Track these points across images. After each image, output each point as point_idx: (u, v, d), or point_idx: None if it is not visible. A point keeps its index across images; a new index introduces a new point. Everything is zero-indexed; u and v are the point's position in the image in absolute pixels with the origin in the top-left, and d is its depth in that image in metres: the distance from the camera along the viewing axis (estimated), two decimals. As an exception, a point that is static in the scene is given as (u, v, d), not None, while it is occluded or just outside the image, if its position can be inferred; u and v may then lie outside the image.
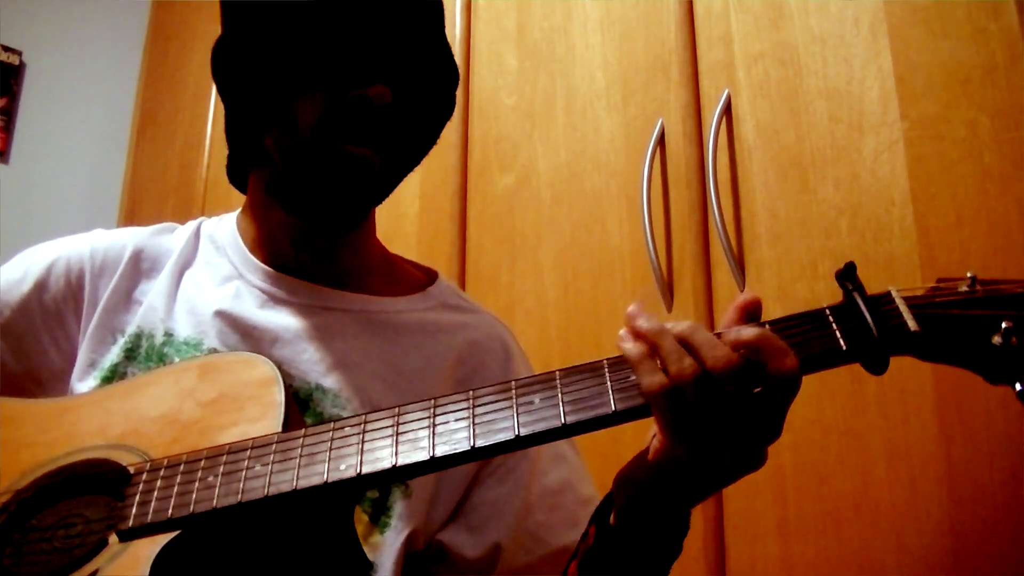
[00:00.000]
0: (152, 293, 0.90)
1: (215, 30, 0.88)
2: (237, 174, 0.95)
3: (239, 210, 0.97)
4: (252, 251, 0.91)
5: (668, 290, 1.35)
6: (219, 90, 0.90)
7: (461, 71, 1.78)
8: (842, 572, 1.10)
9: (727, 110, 1.35)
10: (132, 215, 2.71)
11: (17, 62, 2.82)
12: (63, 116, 2.88)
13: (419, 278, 0.97)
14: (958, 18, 1.13)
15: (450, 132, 1.73)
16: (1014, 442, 1.00)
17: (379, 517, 0.79)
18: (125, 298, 0.90)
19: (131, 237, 0.94)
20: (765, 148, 1.30)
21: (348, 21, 0.81)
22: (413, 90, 0.85)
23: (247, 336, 0.85)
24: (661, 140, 1.42)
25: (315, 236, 0.89)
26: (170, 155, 2.63)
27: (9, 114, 2.78)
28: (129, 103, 2.91)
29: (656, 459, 0.64)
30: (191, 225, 0.97)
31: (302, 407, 0.81)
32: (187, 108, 2.60)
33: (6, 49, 2.81)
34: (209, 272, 0.91)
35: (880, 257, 1.14)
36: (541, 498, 0.86)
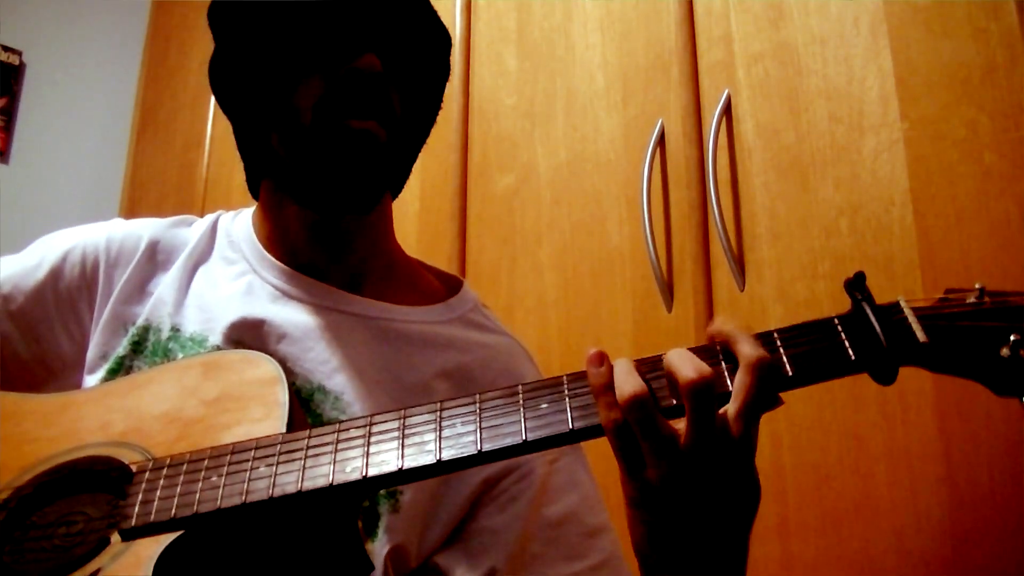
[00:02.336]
0: (163, 286, 0.89)
1: (214, 31, 0.88)
2: (254, 185, 0.94)
3: (255, 207, 0.96)
4: (267, 249, 0.91)
5: (668, 290, 1.35)
6: (221, 104, 0.90)
7: (461, 71, 1.80)
8: (842, 572, 1.10)
9: (727, 110, 1.35)
10: (132, 215, 2.67)
11: (17, 62, 2.82)
12: (63, 116, 2.87)
13: (439, 288, 0.95)
14: (958, 18, 1.13)
15: (450, 132, 1.73)
16: (1014, 442, 1.00)
17: (369, 526, 0.78)
18: (138, 290, 0.89)
19: (148, 228, 0.94)
20: (765, 148, 1.30)
21: (331, 1, 0.81)
22: (404, 56, 0.85)
23: (255, 330, 0.84)
24: (661, 140, 1.42)
25: (330, 224, 0.87)
26: (170, 155, 2.62)
27: (9, 114, 2.78)
28: (129, 103, 2.91)
29: (635, 529, 0.64)
30: (209, 218, 0.96)
31: (302, 407, 0.81)
32: (187, 108, 2.59)
33: (6, 49, 2.80)
34: (223, 268, 0.91)
35: (880, 257, 1.14)
36: (540, 529, 0.83)
